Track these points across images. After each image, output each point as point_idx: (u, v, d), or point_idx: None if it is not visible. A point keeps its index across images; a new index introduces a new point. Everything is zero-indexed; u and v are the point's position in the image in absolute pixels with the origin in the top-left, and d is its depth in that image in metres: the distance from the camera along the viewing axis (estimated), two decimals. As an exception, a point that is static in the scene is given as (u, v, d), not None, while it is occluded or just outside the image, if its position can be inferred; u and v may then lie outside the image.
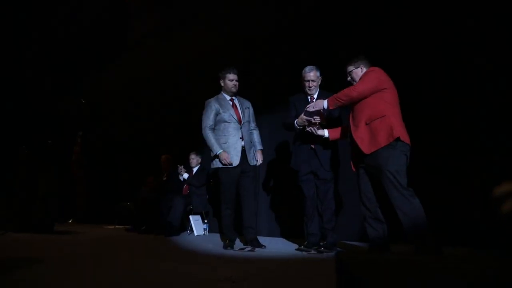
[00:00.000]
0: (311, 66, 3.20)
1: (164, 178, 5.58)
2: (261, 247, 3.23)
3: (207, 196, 4.99)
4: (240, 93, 3.59)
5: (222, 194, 3.40)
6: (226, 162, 3.25)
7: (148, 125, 6.76)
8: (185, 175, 4.92)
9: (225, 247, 3.28)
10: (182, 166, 4.95)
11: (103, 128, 7.81)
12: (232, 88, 3.42)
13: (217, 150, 3.29)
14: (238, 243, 3.45)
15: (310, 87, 3.18)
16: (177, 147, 5.85)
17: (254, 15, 5.04)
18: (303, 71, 3.21)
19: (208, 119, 3.37)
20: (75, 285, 1.70)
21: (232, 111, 3.40)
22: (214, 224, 4.97)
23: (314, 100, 3.14)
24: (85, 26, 6.64)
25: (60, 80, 8.42)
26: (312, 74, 3.17)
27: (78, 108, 7.78)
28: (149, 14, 6.45)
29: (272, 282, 1.84)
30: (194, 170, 5.03)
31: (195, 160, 5.05)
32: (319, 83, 3.24)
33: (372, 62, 2.77)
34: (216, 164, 3.34)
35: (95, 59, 7.79)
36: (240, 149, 3.32)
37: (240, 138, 3.36)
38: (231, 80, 3.40)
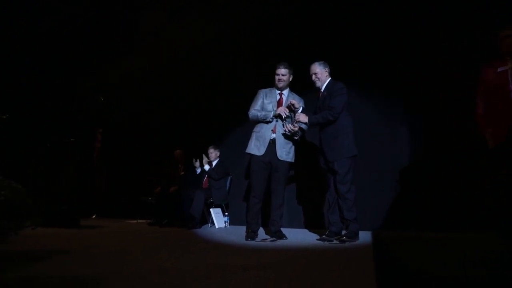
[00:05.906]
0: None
1: (182, 173, 5.70)
2: (283, 238, 3.30)
3: (226, 189, 5.09)
4: (251, 84, 3.68)
5: (250, 180, 3.51)
6: (278, 111, 3.36)
7: (167, 119, 6.86)
8: (206, 166, 5.00)
9: (246, 238, 3.35)
10: (198, 160, 5.06)
11: (122, 124, 7.96)
12: (277, 83, 3.52)
13: (269, 115, 3.40)
14: (261, 234, 3.53)
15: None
16: (194, 142, 5.94)
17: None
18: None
19: (255, 105, 3.51)
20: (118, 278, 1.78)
21: (275, 104, 3.48)
22: (234, 216, 5.06)
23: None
24: (99, 23, 6.72)
25: (79, 78, 8.58)
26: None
27: (97, 105, 7.92)
28: (161, 6, 6.48)
29: (301, 270, 1.91)
30: (214, 163, 5.11)
31: (214, 154, 5.13)
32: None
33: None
34: (250, 149, 3.44)
35: (112, 55, 7.89)
36: (268, 140, 3.38)
37: (272, 130, 3.42)
38: (277, 74, 3.50)
